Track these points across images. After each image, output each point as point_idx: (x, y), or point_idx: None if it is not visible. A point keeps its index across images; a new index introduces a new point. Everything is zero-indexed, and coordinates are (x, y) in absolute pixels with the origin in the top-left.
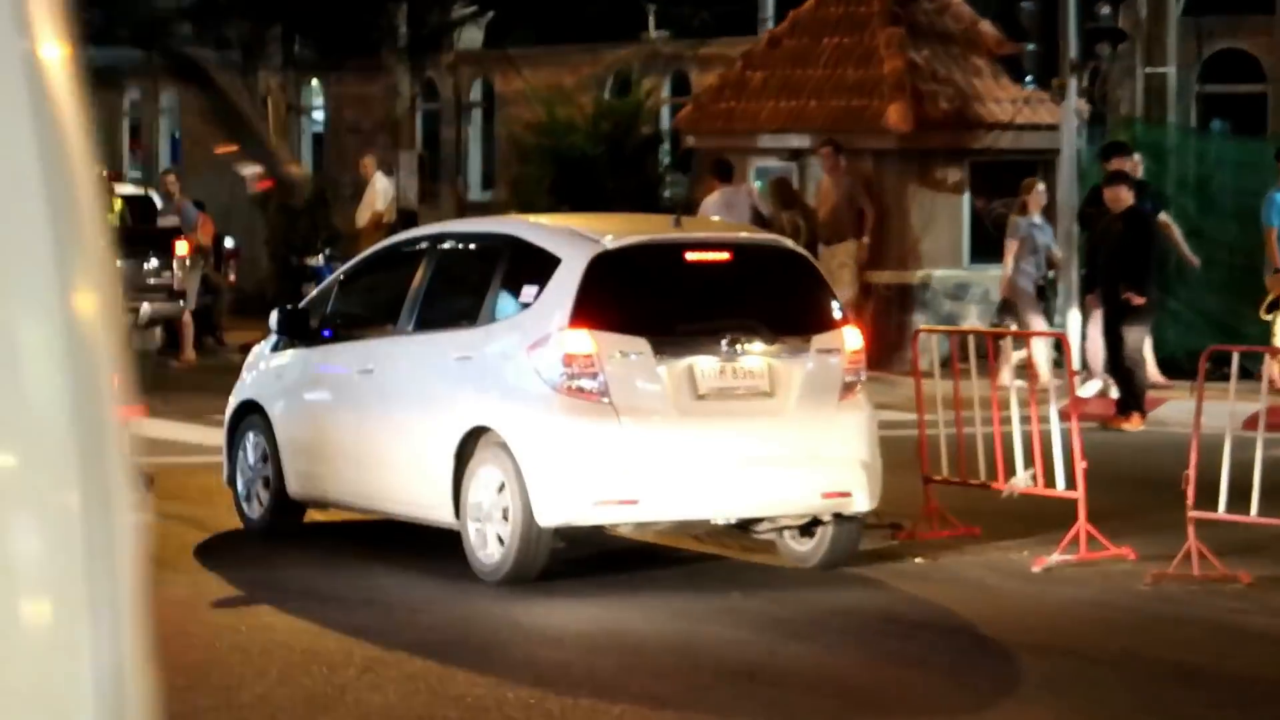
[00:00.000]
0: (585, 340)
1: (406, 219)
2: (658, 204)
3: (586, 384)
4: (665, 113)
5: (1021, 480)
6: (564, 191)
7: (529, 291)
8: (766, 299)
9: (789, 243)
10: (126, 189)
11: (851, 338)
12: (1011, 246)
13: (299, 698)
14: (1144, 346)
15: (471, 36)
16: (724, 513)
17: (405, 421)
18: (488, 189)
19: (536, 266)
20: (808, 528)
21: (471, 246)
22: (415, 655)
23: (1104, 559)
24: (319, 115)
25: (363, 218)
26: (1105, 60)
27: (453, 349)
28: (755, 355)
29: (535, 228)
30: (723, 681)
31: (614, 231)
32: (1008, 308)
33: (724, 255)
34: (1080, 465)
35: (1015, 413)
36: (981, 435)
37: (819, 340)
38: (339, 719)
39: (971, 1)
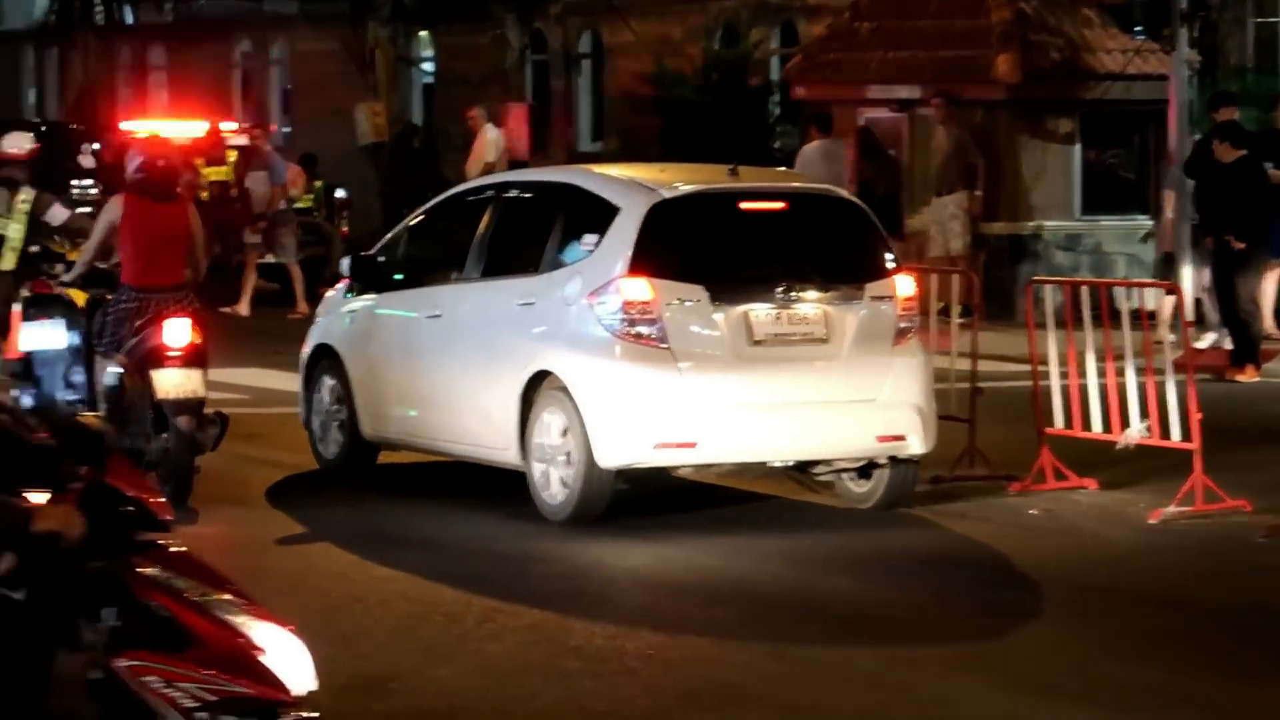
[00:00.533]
0: (644, 287)
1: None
2: (767, 155)
3: (645, 330)
4: (774, 63)
5: (1136, 432)
6: (673, 142)
7: (589, 240)
8: (821, 247)
9: (843, 192)
10: (239, 140)
11: (904, 285)
12: (1170, 197)
13: (418, 648)
14: (1261, 297)
15: None
16: (780, 456)
17: (472, 366)
18: (597, 140)
19: (597, 215)
20: (865, 470)
21: (535, 195)
22: (533, 606)
23: (1220, 511)
24: (428, 66)
25: (473, 169)
26: (1215, 10)
27: (516, 295)
28: (810, 302)
29: (595, 177)
30: (849, 631)
31: (672, 181)
32: (1170, 261)
33: (779, 204)
34: (1195, 417)
35: (1130, 365)
36: (1096, 387)
37: (873, 287)
38: (459, 669)
39: None
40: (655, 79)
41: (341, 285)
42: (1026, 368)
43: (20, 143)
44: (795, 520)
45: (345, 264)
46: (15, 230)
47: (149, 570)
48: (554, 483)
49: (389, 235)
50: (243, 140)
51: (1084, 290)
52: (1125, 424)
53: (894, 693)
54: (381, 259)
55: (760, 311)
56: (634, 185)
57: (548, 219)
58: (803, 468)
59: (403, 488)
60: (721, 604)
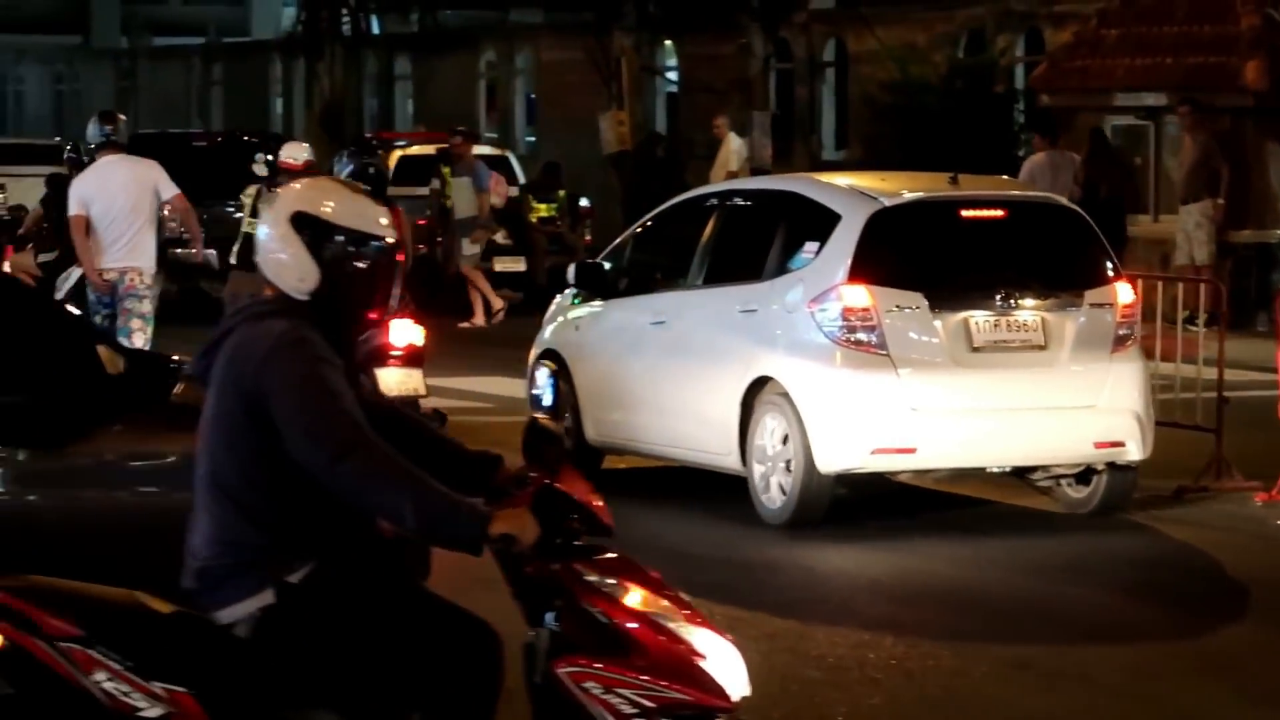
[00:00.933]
0: (863, 295)
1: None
2: (1012, 163)
3: (865, 336)
4: (1019, 70)
5: None
6: (916, 150)
7: (811, 247)
8: (1040, 254)
9: (1063, 200)
10: (483, 149)
11: (1124, 292)
12: None
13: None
14: None
15: None
16: (999, 461)
17: (694, 372)
18: (841, 148)
19: (818, 223)
20: (1083, 475)
21: (758, 204)
22: (775, 614)
23: None
24: (672, 75)
25: (717, 177)
26: None
27: (738, 302)
28: (1029, 309)
29: (817, 185)
30: (1089, 640)
31: (893, 190)
32: None
33: (998, 212)
34: None
35: None
36: None
37: (1092, 295)
38: None
39: None
40: (899, 87)
41: (568, 291)
42: (1274, 377)
43: (296, 154)
44: (1017, 526)
45: (571, 271)
46: None
47: (590, 575)
48: (773, 487)
49: (615, 242)
50: (487, 150)
51: None
52: None
53: (1140, 705)
54: (607, 265)
55: (979, 318)
56: (855, 194)
57: (770, 227)
58: (1020, 473)
59: (626, 492)
60: (957, 611)
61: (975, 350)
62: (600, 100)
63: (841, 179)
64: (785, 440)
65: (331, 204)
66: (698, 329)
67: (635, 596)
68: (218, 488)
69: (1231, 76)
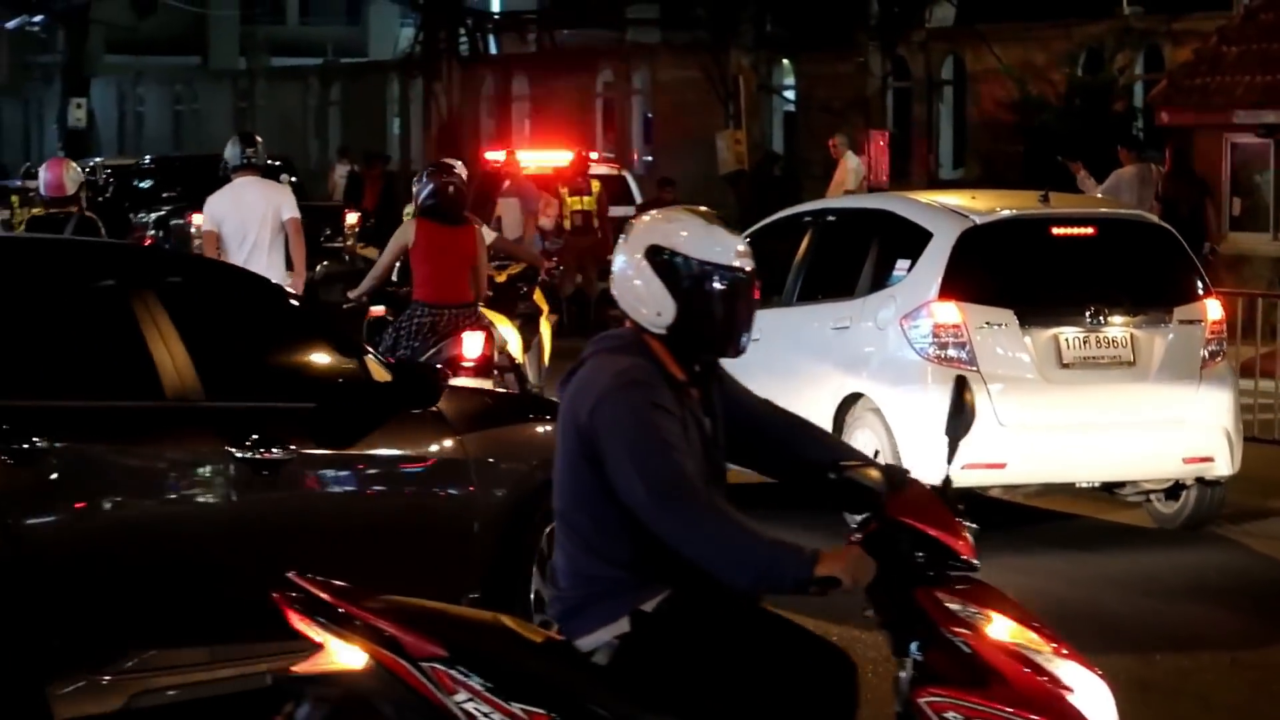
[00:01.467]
0: (954, 311)
1: None
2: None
3: (955, 353)
4: (1138, 89)
5: None
6: (1035, 169)
7: (902, 265)
8: (1129, 271)
9: (1152, 217)
10: (600, 169)
11: (1213, 309)
12: None
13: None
14: None
15: (943, 13)
16: (1088, 477)
17: (789, 387)
18: (958, 167)
19: (910, 241)
20: (1173, 490)
21: (851, 222)
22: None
23: None
24: (789, 94)
25: (834, 196)
26: None
27: (832, 319)
28: (1118, 326)
29: (909, 203)
30: (1192, 651)
31: (983, 208)
32: None
33: (1088, 230)
34: None
35: None
36: None
37: (1181, 311)
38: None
39: None
40: (1018, 105)
41: None
42: None
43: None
44: (1110, 540)
45: None
46: None
47: (953, 604)
48: None
49: None
50: (605, 170)
51: None
52: None
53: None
54: None
55: (1068, 335)
56: (946, 212)
57: (864, 245)
58: (1110, 488)
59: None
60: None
61: (1064, 366)
62: (717, 119)
63: (933, 197)
64: (877, 455)
65: (686, 235)
66: (791, 346)
67: (1000, 626)
68: (566, 524)
69: None
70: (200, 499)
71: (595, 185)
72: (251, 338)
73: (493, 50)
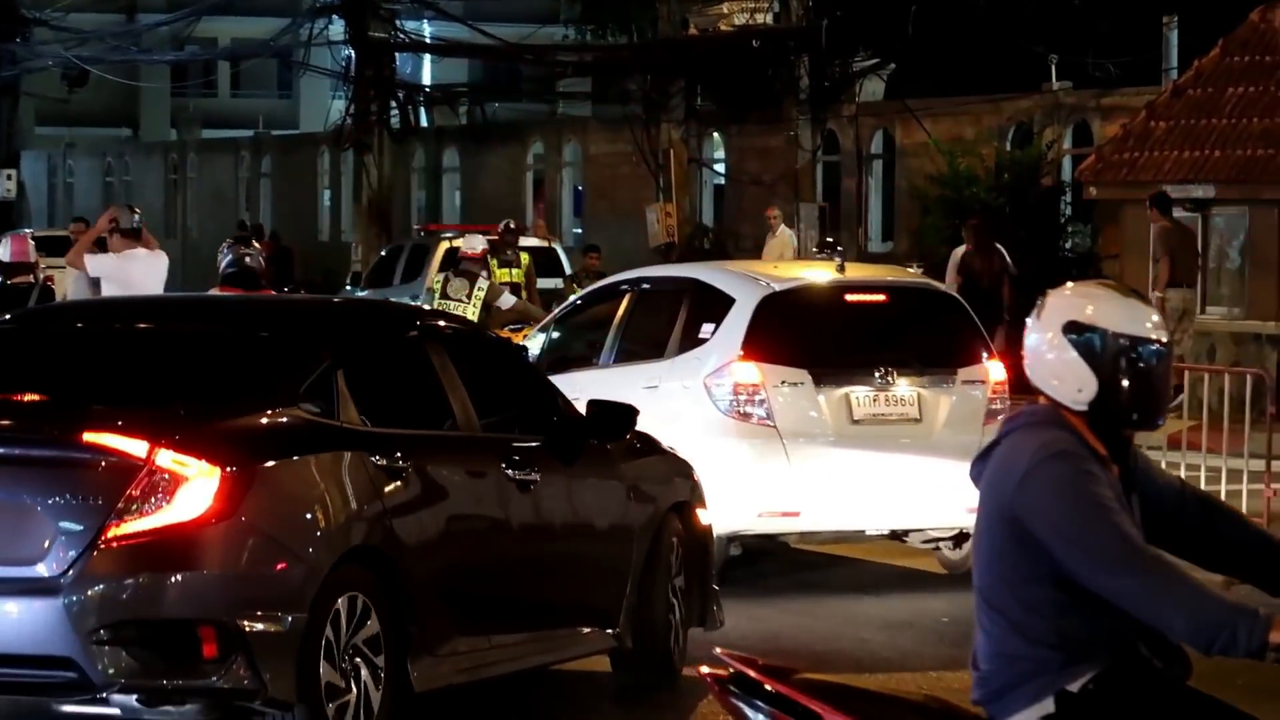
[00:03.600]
0: (753, 371)
1: None
2: (1058, 254)
3: (754, 410)
4: (1067, 163)
5: None
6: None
7: (707, 328)
8: (917, 335)
9: (940, 285)
10: (530, 241)
11: (995, 370)
12: None
13: None
14: None
15: (873, 88)
16: (876, 525)
17: None
18: (888, 240)
19: (714, 306)
20: (959, 538)
21: (663, 289)
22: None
23: None
24: (720, 167)
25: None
26: None
27: (643, 379)
28: (905, 385)
29: (715, 271)
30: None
31: (783, 275)
32: None
33: (879, 296)
34: None
35: None
36: None
37: (965, 373)
38: None
39: None
40: (947, 179)
41: None
42: None
43: (474, 244)
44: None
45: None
46: (472, 313)
47: None
48: None
49: (542, 324)
50: (535, 242)
51: None
52: None
53: None
54: (534, 348)
55: (859, 393)
56: (748, 279)
57: (673, 310)
58: (899, 536)
59: None
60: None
61: (856, 423)
62: (648, 192)
63: (738, 266)
64: None
65: (1104, 309)
66: None
67: None
68: (987, 602)
69: None
70: (492, 511)
71: (525, 258)
72: (496, 382)
73: (424, 123)
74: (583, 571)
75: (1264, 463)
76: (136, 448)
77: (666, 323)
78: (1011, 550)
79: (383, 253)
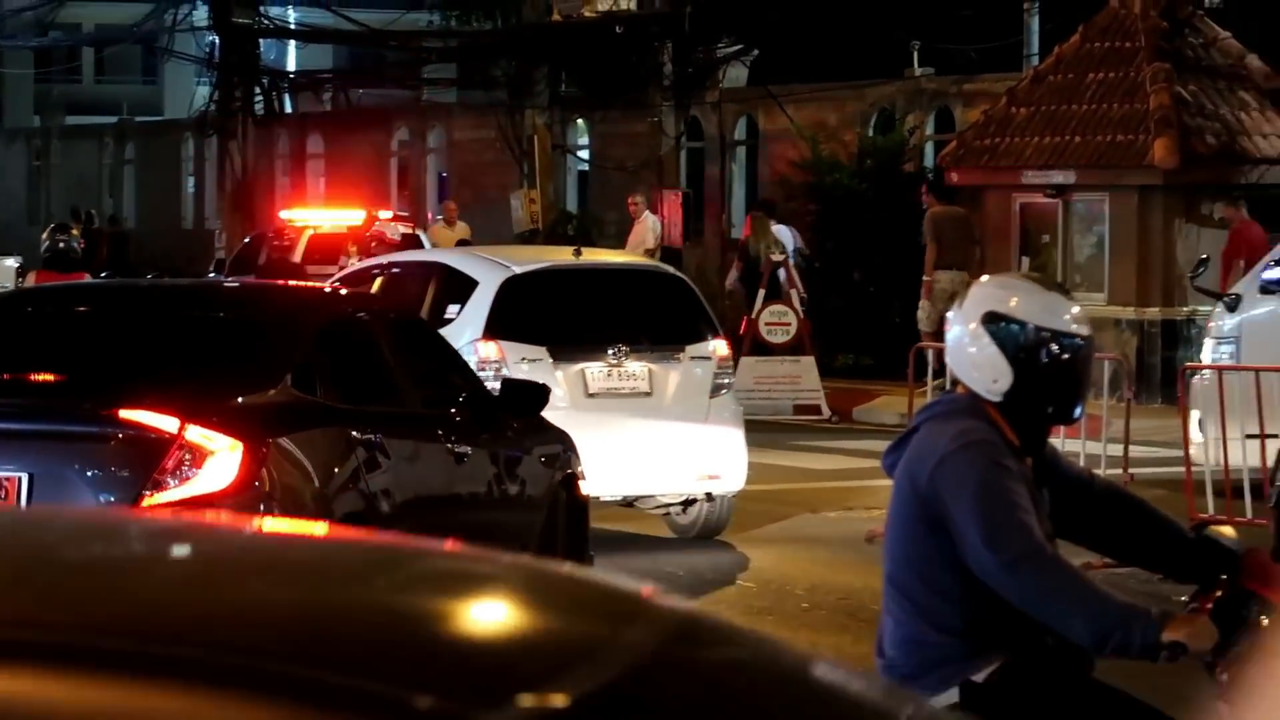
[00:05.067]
0: (494, 349)
1: (671, 257)
2: (919, 239)
3: (496, 384)
4: (929, 149)
5: None
6: (827, 228)
7: (453, 309)
8: (648, 315)
9: (668, 268)
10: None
11: (720, 347)
12: None
13: None
14: None
15: (737, 74)
16: (612, 492)
17: None
18: None
19: (461, 288)
20: (687, 504)
21: (412, 273)
22: None
23: None
24: (584, 154)
25: (634, 254)
26: None
27: None
28: (637, 361)
29: (460, 256)
30: None
31: (522, 259)
32: None
33: (613, 279)
34: None
35: None
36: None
37: (692, 349)
38: None
39: (1239, 35)
40: (810, 165)
41: None
42: (1179, 453)
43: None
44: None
45: None
46: None
47: None
48: None
49: None
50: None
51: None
52: None
53: None
54: None
55: (593, 369)
56: (490, 263)
57: (421, 291)
58: (630, 502)
59: None
60: None
61: (591, 396)
62: (512, 178)
63: (483, 251)
64: None
65: (1024, 301)
66: None
67: None
68: (896, 588)
69: (1140, 154)
70: (440, 482)
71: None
72: (423, 361)
73: (288, 109)
74: (503, 540)
75: (1122, 447)
76: (169, 424)
77: (415, 304)
78: (922, 534)
79: (246, 240)
